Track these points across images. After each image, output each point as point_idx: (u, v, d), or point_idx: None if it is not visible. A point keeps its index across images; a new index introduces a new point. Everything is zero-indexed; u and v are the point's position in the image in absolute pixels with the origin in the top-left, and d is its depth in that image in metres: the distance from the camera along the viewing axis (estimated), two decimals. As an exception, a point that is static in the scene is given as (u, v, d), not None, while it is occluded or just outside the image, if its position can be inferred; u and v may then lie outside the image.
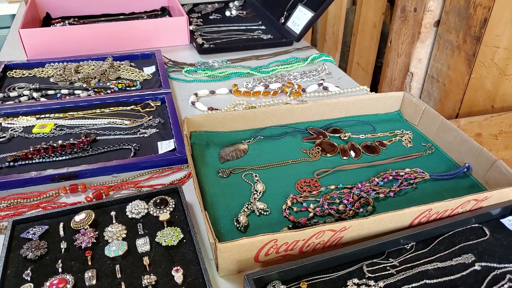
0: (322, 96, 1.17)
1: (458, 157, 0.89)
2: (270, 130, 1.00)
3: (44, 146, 0.94)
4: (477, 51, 1.53)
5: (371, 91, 1.16)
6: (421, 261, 0.67)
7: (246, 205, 0.78)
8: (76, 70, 1.29)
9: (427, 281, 0.63)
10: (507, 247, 0.69)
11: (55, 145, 0.94)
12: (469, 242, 0.70)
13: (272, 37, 1.52)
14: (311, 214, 0.77)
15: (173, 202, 0.78)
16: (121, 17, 1.74)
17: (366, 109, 1.04)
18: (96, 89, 1.20)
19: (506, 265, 0.65)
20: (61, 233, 0.71)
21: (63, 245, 0.68)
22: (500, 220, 0.74)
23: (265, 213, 0.77)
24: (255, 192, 0.82)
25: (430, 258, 0.67)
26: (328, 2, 1.39)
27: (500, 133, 1.46)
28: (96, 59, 1.34)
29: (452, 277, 0.64)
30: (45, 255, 0.67)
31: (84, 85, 1.21)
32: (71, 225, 0.72)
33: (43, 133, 1.00)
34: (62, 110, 1.09)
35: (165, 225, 0.73)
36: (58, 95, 1.17)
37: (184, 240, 0.71)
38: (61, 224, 0.72)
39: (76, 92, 1.19)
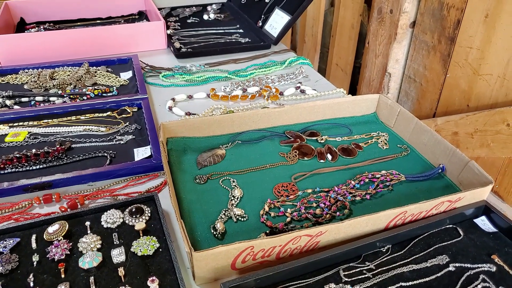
0: (299, 99, 1.18)
1: (432, 158, 0.91)
2: (248, 135, 1.00)
3: (17, 155, 0.92)
4: (451, 51, 1.56)
5: (350, 91, 1.17)
6: (397, 264, 0.67)
7: (224, 212, 0.78)
8: (51, 77, 1.26)
9: (403, 284, 0.64)
10: (480, 247, 0.70)
11: (28, 154, 0.92)
12: (443, 243, 0.71)
13: (250, 40, 1.52)
14: (288, 219, 0.77)
15: (149, 211, 0.77)
16: (98, 21, 1.72)
17: (342, 111, 1.05)
18: (71, 96, 1.18)
19: (479, 265, 0.66)
20: (33, 245, 0.69)
21: (35, 258, 0.67)
22: (473, 220, 0.75)
23: (242, 219, 0.77)
24: (232, 198, 0.82)
25: (406, 261, 0.68)
26: (305, 6, 1.39)
27: (475, 131, 1.48)
28: (72, 65, 1.32)
29: (427, 279, 0.65)
30: (16, 268, 0.65)
31: (60, 92, 1.19)
32: (44, 236, 0.71)
33: (16, 142, 0.98)
34: (36, 117, 1.07)
35: (141, 234, 0.72)
36: (32, 103, 1.14)
37: (160, 249, 0.70)
38: (34, 236, 0.70)
39: (51, 99, 1.17)
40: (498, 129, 1.40)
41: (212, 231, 0.74)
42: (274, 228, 0.75)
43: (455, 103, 1.61)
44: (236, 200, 0.81)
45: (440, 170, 0.87)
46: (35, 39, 1.35)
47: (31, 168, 0.90)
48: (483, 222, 0.74)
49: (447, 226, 0.74)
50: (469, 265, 0.66)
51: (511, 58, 1.33)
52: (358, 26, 2.15)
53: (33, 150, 0.93)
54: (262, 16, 1.57)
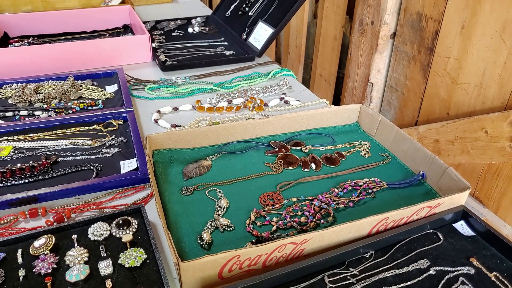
0: (283, 110, 1.20)
1: (413, 165, 0.93)
2: (234, 145, 1.01)
3: (2, 170, 0.91)
4: (431, 61, 1.60)
5: (334, 101, 1.20)
6: (380, 269, 0.69)
7: (210, 222, 0.79)
8: (36, 91, 1.26)
9: (386, 288, 0.66)
10: (459, 251, 0.72)
11: (13, 168, 0.92)
12: (424, 248, 0.73)
13: (234, 53, 1.55)
14: (274, 228, 0.78)
15: (136, 223, 0.78)
16: (83, 35, 1.72)
17: (325, 121, 1.07)
18: (57, 110, 1.18)
19: (459, 268, 0.68)
20: (19, 260, 0.69)
21: (21, 272, 0.67)
22: (453, 225, 0.78)
23: (229, 229, 0.78)
24: (219, 208, 0.83)
25: (388, 266, 0.70)
26: (287, 19, 1.43)
27: (455, 139, 1.52)
28: (57, 79, 1.32)
29: (409, 283, 0.66)
30: (3, 284, 0.65)
31: (44, 106, 1.19)
32: (30, 251, 0.71)
33: (1, 157, 0.98)
34: (21, 132, 1.07)
35: (128, 246, 0.73)
36: (17, 117, 1.14)
37: (148, 261, 0.70)
38: (20, 251, 0.70)
39: (36, 113, 1.17)
40: (477, 136, 1.44)
41: (199, 241, 0.75)
42: (260, 237, 0.76)
43: (435, 112, 1.65)
44: (222, 210, 0.82)
45: (420, 177, 0.89)
46: (19, 53, 1.34)
47: (16, 182, 0.90)
48: (461, 227, 0.77)
49: (428, 231, 0.76)
50: (449, 268, 0.68)
51: (486, 68, 1.38)
52: (341, 37, 2.19)
53: (18, 165, 0.93)
54: (246, 29, 1.60)
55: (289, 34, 2.58)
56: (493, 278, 0.67)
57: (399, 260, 0.70)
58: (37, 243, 0.71)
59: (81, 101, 1.22)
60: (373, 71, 1.89)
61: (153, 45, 1.58)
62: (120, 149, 1.01)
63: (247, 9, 1.67)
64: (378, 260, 0.71)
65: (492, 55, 1.35)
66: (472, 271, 0.68)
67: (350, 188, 0.87)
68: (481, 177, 1.50)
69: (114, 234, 0.75)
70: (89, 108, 1.20)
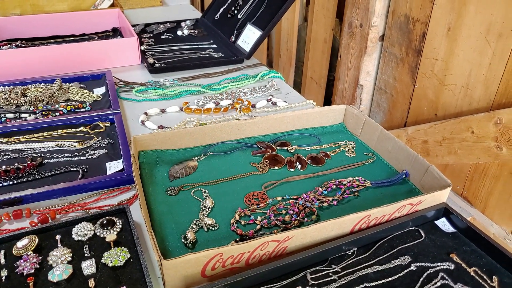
0: (270, 111, 1.21)
1: (397, 164, 0.94)
2: (220, 146, 1.02)
3: (-13, 172, 0.91)
4: (418, 63, 1.62)
5: (325, 104, 1.21)
6: (362, 266, 0.70)
7: (195, 222, 0.79)
8: (23, 93, 1.26)
9: (367, 284, 0.66)
10: (440, 247, 0.73)
11: (-2, 170, 0.92)
12: (406, 245, 0.73)
13: (223, 55, 1.55)
14: (258, 226, 0.78)
15: (120, 223, 0.78)
16: (72, 38, 1.72)
17: (311, 122, 1.08)
18: (44, 112, 1.18)
19: (439, 264, 0.69)
20: (2, 260, 0.69)
21: (4, 273, 0.67)
22: (435, 222, 0.79)
23: (213, 228, 0.78)
24: (204, 208, 0.83)
25: (370, 262, 0.70)
26: (275, 21, 1.44)
27: (443, 139, 1.54)
28: (44, 82, 1.32)
29: (390, 279, 0.67)
30: (-16, 284, 0.65)
31: (31, 109, 1.19)
32: (13, 251, 0.71)
33: (-14, 159, 0.98)
34: (7, 134, 1.07)
35: (112, 246, 0.73)
36: (3, 119, 1.14)
37: (131, 260, 0.71)
38: (2, 252, 0.70)
39: (23, 115, 1.16)
40: (464, 137, 1.45)
41: (183, 241, 0.75)
42: (244, 235, 0.76)
43: (423, 113, 1.66)
44: (207, 210, 0.83)
45: (404, 176, 0.90)
46: (7, 56, 1.34)
47: (0, 184, 0.90)
48: (443, 224, 0.78)
49: (410, 228, 0.77)
50: (429, 264, 0.69)
51: (472, 69, 1.39)
52: (331, 40, 2.21)
53: (3, 167, 0.93)
54: (235, 32, 1.61)
55: (280, 37, 2.60)
56: (472, 273, 0.67)
57: (381, 257, 0.71)
58: (20, 244, 0.71)
59: (68, 103, 1.22)
60: (362, 73, 1.90)
61: (142, 48, 1.59)
62: (106, 151, 1.01)
63: (236, 12, 1.68)
64: (360, 257, 0.71)
65: (477, 57, 1.37)
66: (452, 267, 0.69)
67: (334, 187, 0.88)
68: (468, 177, 1.52)
69: (98, 234, 0.76)
70: (76, 110, 1.20)
